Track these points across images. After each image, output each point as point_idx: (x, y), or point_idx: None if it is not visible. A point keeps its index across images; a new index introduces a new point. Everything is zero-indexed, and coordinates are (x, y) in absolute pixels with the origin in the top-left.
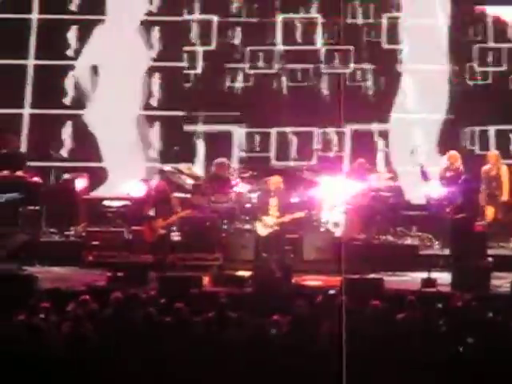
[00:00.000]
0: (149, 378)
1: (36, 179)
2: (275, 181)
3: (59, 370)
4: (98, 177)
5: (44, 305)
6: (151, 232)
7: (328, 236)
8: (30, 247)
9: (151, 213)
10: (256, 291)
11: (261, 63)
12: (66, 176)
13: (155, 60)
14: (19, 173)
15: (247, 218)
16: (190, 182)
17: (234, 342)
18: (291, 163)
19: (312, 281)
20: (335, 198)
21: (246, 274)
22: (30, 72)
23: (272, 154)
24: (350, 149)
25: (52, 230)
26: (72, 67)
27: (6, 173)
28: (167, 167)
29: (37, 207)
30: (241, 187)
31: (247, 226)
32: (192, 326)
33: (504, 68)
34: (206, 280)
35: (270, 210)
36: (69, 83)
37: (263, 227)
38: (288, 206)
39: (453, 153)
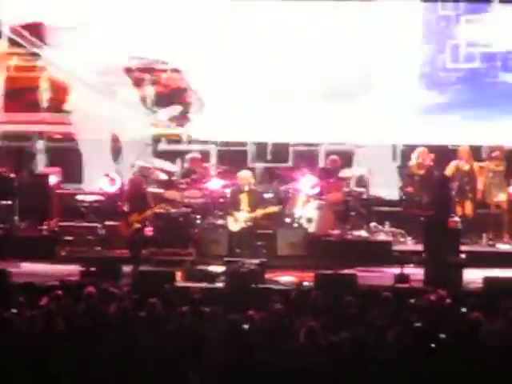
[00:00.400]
0: (122, 373)
1: (9, 173)
2: (245, 176)
3: (31, 365)
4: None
5: (17, 299)
6: (127, 227)
7: (301, 232)
8: (3, 241)
9: (126, 208)
10: (229, 286)
11: None
12: (40, 170)
13: None
14: None
15: (220, 213)
16: (163, 176)
17: (209, 337)
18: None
19: (286, 276)
20: (309, 194)
21: (219, 269)
22: None
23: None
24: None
25: (25, 224)
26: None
27: None
28: (140, 162)
29: (10, 201)
30: (214, 182)
31: (220, 222)
32: (166, 320)
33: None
34: (178, 275)
35: (241, 205)
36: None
37: (234, 222)
38: (259, 201)
39: (422, 149)
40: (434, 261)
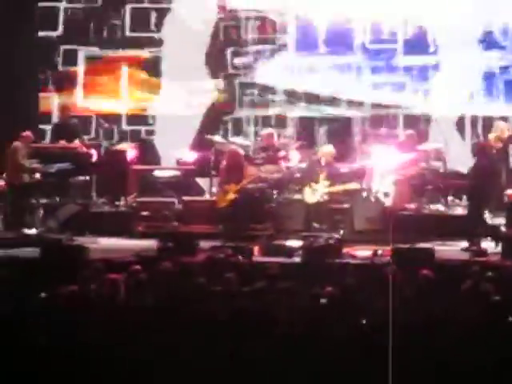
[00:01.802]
0: (201, 346)
1: (87, 150)
2: (327, 150)
3: (112, 339)
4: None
5: (95, 275)
6: (224, 196)
7: (378, 206)
8: (81, 218)
9: (222, 179)
10: (306, 261)
11: None
12: (117, 146)
13: None
14: (73, 143)
15: (297, 188)
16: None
17: (287, 311)
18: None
19: (363, 251)
20: (386, 168)
21: (296, 243)
22: None
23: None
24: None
25: (103, 200)
26: None
27: (61, 143)
28: (217, 137)
29: (88, 177)
30: (290, 157)
31: (297, 196)
32: (242, 296)
33: None
34: (256, 250)
35: (320, 178)
36: None
37: (312, 194)
38: (338, 175)
39: (500, 123)
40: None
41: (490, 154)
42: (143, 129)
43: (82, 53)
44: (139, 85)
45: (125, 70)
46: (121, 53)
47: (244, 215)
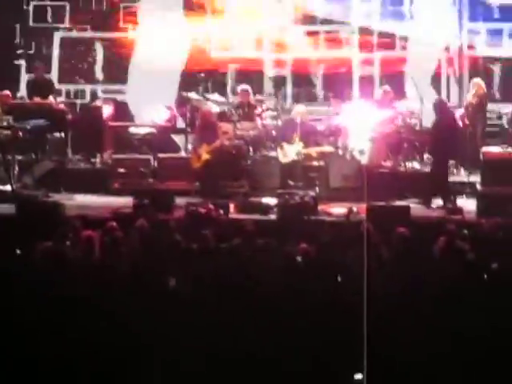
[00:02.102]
0: (176, 304)
1: (63, 106)
2: (300, 110)
3: (85, 299)
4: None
5: (70, 232)
6: (197, 156)
7: (354, 164)
8: (57, 174)
9: (196, 139)
10: (282, 219)
11: None
12: (93, 103)
13: None
14: (47, 100)
15: (273, 145)
16: (215, 109)
17: (263, 268)
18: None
19: (338, 208)
20: (361, 126)
21: (272, 201)
22: None
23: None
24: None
25: (78, 157)
26: None
27: (35, 99)
28: (193, 94)
29: (63, 134)
30: (266, 115)
31: (273, 154)
32: (219, 252)
33: None
34: (231, 207)
35: (294, 138)
36: None
37: (285, 155)
38: (313, 133)
39: (476, 80)
40: (488, 192)
41: (449, 109)
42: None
43: None
44: None
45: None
46: None
47: (219, 173)
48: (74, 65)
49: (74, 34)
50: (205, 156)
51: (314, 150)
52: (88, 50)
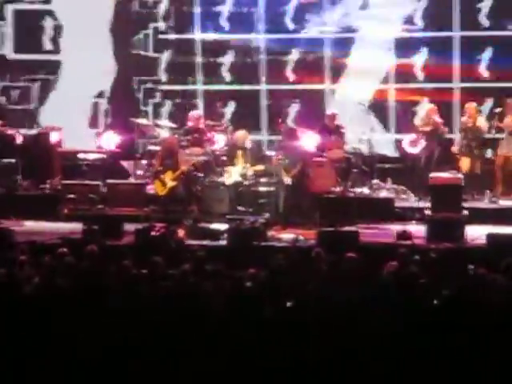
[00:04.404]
0: (124, 329)
1: (11, 131)
2: (241, 135)
3: (35, 321)
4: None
5: (20, 258)
6: (162, 184)
7: (303, 189)
8: (6, 200)
9: (158, 166)
10: (232, 244)
11: None
12: (41, 129)
13: None
14: None
15: (222, 170)
16: (164, 134)
17: (211, 294)
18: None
19: (288, 234)
20: (309, 150)
21: (222, 226)
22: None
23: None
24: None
25: (27, 182)
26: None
27: None
28: (142, 120)
29: (12, 160)
30: (216, 140)
31: (222, 179)
32: (168, 278)
33: None
34: (181, 233)
35: (237, 161)
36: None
37: (230, 176)
38: (257, 158)
39: (429, 106)
40: (437, 217)
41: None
42: None
43: None
44: None
45: None
46: None
47: (184, 199)
48: None
49: None
50: (170, 183)
51: (257, 168)
52: None
